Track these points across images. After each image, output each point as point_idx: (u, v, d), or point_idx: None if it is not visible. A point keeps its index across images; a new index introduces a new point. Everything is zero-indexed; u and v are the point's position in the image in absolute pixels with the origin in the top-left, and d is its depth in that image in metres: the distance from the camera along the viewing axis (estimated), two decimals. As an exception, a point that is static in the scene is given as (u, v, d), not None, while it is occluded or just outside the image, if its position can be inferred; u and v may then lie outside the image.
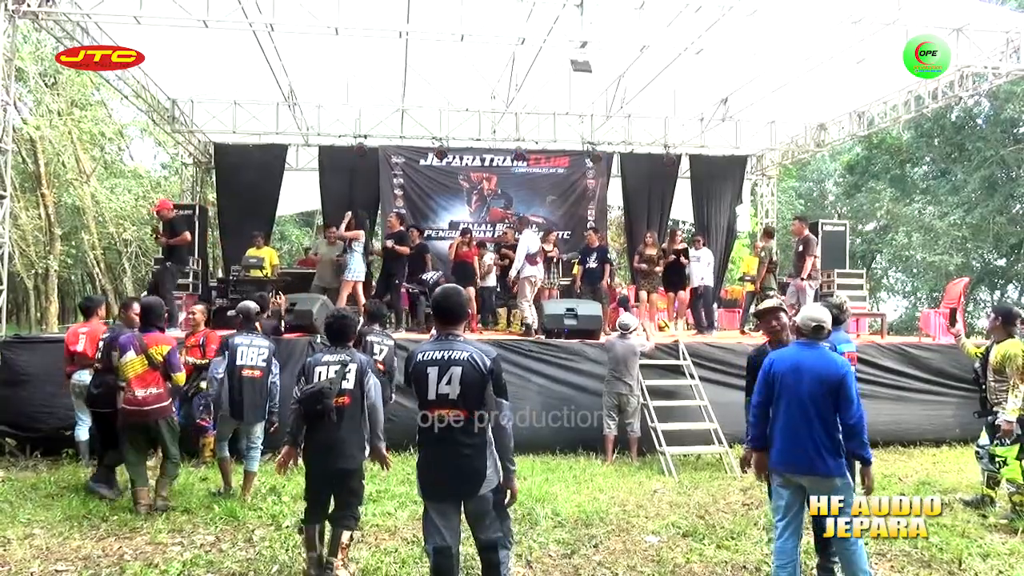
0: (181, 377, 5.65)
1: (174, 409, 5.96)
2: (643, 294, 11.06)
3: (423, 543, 3.55)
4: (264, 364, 5.94)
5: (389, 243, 10.51)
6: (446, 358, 3.38)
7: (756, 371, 4.55)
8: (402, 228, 10.79)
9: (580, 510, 5.83)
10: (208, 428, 6.72)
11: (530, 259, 10.15)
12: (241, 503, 5.81)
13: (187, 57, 10.87)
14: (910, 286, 29.25)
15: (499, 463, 3.42)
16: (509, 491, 3.48)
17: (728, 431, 7.67)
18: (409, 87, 12.28)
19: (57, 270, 21.65)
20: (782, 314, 4.64)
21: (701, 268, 11.18)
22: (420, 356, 3.46)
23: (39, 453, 7.43)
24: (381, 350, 6.66)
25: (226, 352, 5.88)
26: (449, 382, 3.35)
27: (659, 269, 10.99)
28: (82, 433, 6.96)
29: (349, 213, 10.57)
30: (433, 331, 3.71)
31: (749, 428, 4.26)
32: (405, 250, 10.36)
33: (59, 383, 7.13)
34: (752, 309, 12.42)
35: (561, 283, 11.50)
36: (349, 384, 4.27)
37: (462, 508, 3.47)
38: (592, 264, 11.04)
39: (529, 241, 10.30)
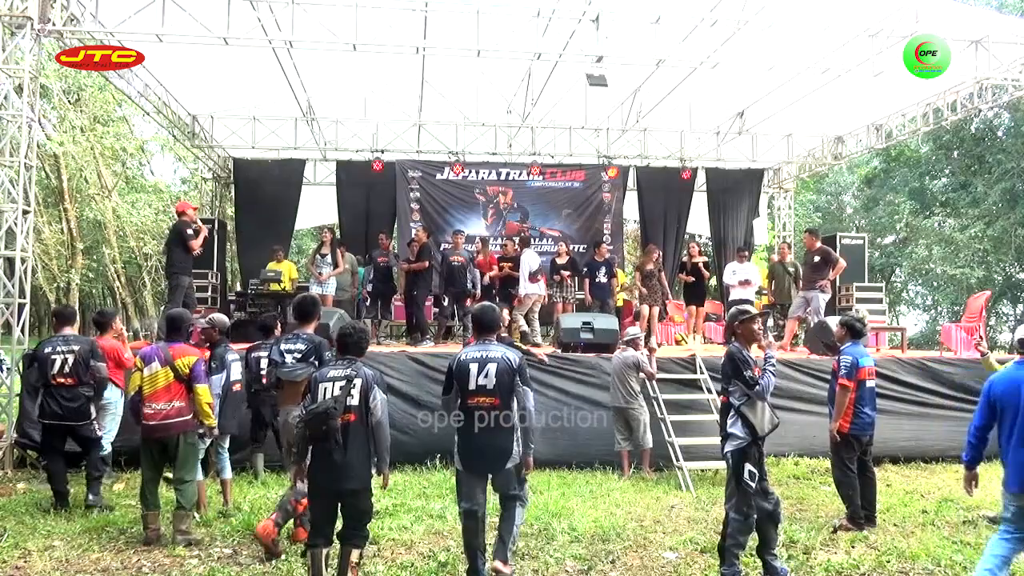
0: (205, 390, 5.27)
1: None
2: (644, 309, 10.79)
3: (457, 503, 4.44)
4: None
5: (405, 265, 10.72)
6: (484, 356, 4.37)
7: (732, 369, 4.86)
8: (427, 241, 10.95)
9: (597, 525, 5.79)
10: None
11: (532, 277, 10.17)
12: (254, 516, 5.81)
13: (207, 74, 11.03)
14: (930, 300, 28.93)
15: (522, 442, 4.32)
16: (526, 465, 4.40)
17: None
18: (426, 102, 12.38)
19: (79, 284, 21.98)
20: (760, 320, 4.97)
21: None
22: (463, 356, 4.44)
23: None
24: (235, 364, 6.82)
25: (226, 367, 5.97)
26: (486, 376, 4.30)
27: (657, 283, 10.87)
28: (104, 445, 6.99)
29: None
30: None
31: (967, 449, 4.23)
32: (423, 265, 10.46)
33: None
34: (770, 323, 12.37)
35: (577, 296, 11.44)
36: (354, 400, 4.16)
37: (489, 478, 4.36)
38: (602, 279, 10.95)
39: (530, 260, 10.30)
